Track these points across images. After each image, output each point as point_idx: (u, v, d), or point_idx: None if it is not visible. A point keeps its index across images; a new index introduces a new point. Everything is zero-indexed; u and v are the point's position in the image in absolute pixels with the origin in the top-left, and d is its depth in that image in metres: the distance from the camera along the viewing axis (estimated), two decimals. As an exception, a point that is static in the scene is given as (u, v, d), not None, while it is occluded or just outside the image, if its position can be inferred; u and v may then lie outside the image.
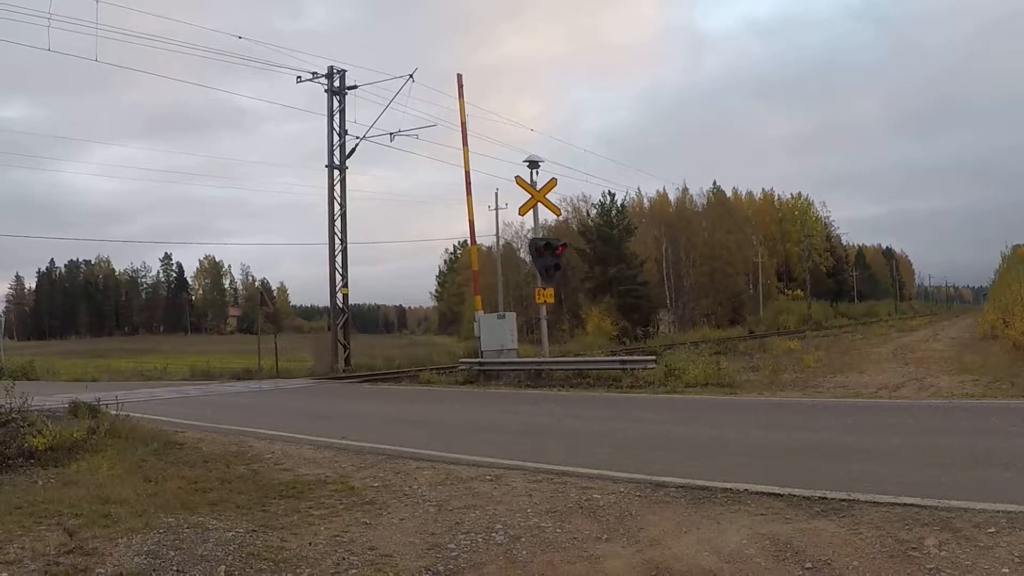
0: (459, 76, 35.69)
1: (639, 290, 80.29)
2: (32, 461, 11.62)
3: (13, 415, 12.96)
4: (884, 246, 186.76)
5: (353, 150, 36.53)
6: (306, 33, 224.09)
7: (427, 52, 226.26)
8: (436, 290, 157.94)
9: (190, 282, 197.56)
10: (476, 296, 40.30)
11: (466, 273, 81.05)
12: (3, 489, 9.93)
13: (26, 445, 11.92)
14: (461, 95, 35.63)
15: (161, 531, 7.65)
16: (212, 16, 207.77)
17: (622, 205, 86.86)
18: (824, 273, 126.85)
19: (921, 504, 7.79)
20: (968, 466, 9.73)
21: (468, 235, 37.71)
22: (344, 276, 36.40)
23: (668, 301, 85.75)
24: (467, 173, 36.14)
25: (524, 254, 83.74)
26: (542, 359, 29.04)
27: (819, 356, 30.72)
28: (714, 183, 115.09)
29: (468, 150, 35.75)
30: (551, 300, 31.17)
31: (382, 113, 36.22)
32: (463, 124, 35.56)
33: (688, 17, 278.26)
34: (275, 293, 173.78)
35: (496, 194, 64.57)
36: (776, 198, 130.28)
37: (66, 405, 16.24)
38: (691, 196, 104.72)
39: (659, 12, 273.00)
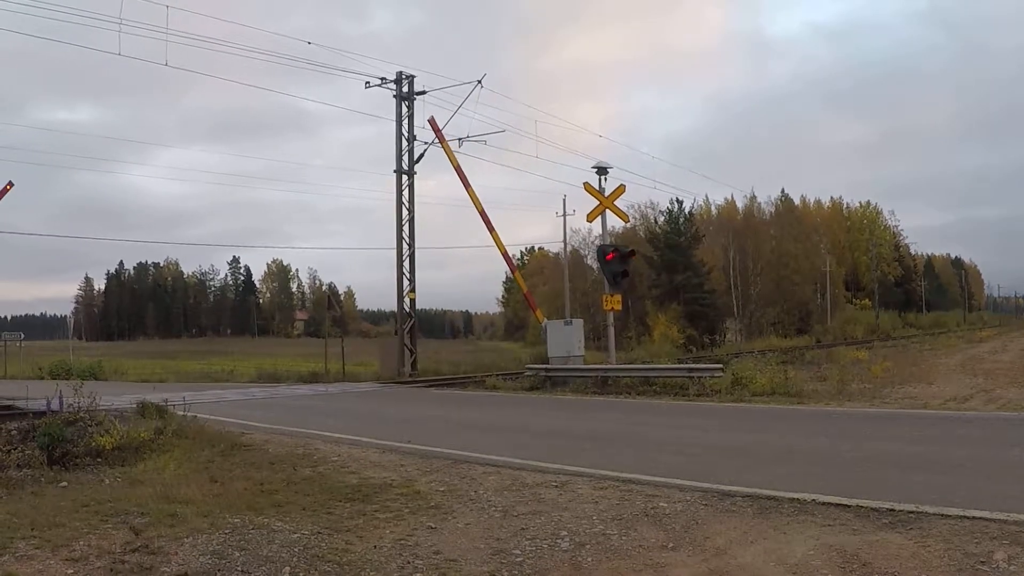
0: (431, 120, 36.33)
1: (706, 298, 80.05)
2: (99, 460, 11.84)
3: (81, 414, 13.23)
4: (953, 256, 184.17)
5: (422, 155, 36.70)
6: (370, 37, 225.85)
7: (493, 55, 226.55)
8: (502, 296, 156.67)
9: (257, 285, 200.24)
10: (535, 311, 41.42)
11: (531, 280, 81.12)
12: (70, 487, 10.11)
13: (94, 444, 12.15)
14: (442, 139, 36.00)
15: (226, 531, 7.74)
16: (275, 19, 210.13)
17: (690, 212, 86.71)
18: (892, 283, 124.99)
19: (990, 517, 7.65)
20: (1038, 479, 9.55)
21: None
22: (411, 281, 36.49)
23: (735, 309, 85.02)
24: (483, 213, 37.39)
25: (591, 260, 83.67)
26: (608, 366, 28.85)
27: (887, 366, 30.19)
28: (782, 191, 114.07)
29: (474, 191, 37.16)
30: (618, 307, 31.04)
31: (451, 118, 36.26)
32: (457, 168, 36.74)
33: (753, 21, 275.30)
34: (342, 297, 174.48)
35: (564, 200, 64.30)
36: (845, 206, 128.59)
37: (134, 405, 16.52)
38: (759, 204, 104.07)
39: (723, 16, 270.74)
